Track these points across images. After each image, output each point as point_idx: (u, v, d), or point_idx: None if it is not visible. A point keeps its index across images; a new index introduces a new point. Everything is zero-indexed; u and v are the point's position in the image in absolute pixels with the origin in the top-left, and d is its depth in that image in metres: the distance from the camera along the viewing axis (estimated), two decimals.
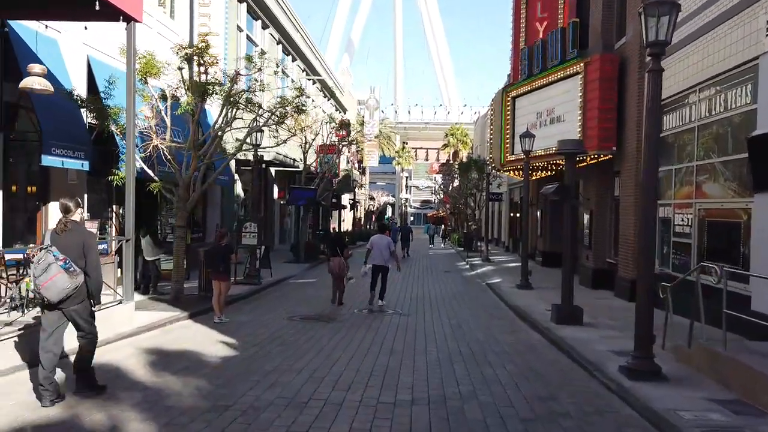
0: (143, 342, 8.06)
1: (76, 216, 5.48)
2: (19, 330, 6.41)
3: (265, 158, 21.20)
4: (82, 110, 10.83)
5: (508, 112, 18.73)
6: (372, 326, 9.97)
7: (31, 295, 5.83)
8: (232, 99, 11.14)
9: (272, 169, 25.74)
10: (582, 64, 14.78)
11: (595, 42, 15.16)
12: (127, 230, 8.56)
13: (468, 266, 23.22)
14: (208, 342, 8.20)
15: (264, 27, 23.94)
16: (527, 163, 15.65)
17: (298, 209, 24.57)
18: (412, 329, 9.77)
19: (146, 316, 9.42)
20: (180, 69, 10.74)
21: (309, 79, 32.68)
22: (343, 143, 23.95)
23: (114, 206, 13.48)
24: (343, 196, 43.23)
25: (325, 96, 36.40)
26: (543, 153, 16.40)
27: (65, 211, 5.41)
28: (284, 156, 22.62)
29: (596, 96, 14.27)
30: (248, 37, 21.90)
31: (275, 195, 26.40)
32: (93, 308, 5.54)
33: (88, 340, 5.54)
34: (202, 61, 10.47)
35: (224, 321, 9.93)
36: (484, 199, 29.51)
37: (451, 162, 51.14)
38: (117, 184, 10.62)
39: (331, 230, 37.83)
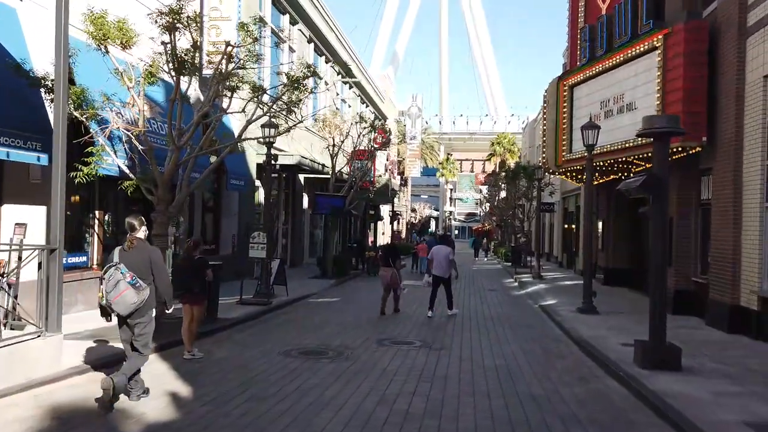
0: (56, 394, 5.79)
1: (141, 233, 5.82)
2: None
3: (289, 163, 19.09)
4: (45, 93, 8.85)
5: (565, 104, 15.97)
6: (388, 369, 7.46)
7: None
8: (219, 75, 8.95)
9: (301, 177, 23.67)
10: (660, 37, 11.96)
11: (675, 9, 12.33)
12: (53, 237, 6.40)
13: (516, 284, 20.37)
14: (151, 394, 5.87)
15: (292, 22, 22.01)
16: (590, 160, 12.87)
17: (327, 220, 22.36)
18: (440, 375, 7.19)
19: (89, 352, 7.22)
20: (152, 39, 8.63)
21: (345, 83, 30.70)
22: (375, 147, 21.54)
23: (97, 211, 11.53)
24: (382, 207, 40.99)
25: (363, 102, 34.30)
26: (610, 149, 13.57)
27: (131, 229, 5.77)
28: (311, 161, 20.46)
29: (680, 74, 11.43)
30: (274, 32, 19.95)
31: (304, 204, 24.29)
32: (168, 311, 6.15)
33: (138, 356, 5.77)
34: (180, 25, 8.31)
35: (197, 356, 7.64)
36: (533, 210, 26.55)
37: (498, 171, 48.11)
38: (80, 181, 8.59)
39: (369, 243, 35.54)
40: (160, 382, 6.28)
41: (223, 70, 8.97)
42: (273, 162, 14.30)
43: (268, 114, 10.56)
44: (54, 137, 6.42)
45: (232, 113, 10.24)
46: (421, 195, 79.09)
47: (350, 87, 31.91)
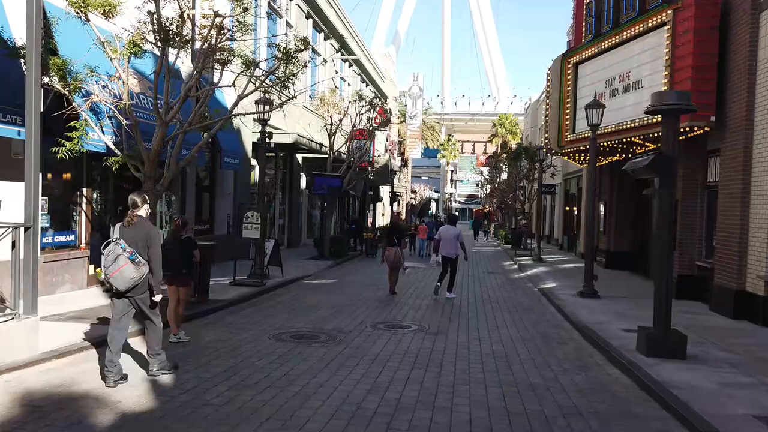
0: (29, 379, 5.50)
1: (143, 211, 5.85)
2: None
3: (285, 141, 18.68)
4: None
5: (569, 83, 15.51)
6: (381, 354, 7.18)
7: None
8: (208, 47, 8.52)
9: (299, 156, 23.26)
10: (670, 12, 11.47)
11: None
12: (27, 214, 6.05)
13: (516, 266, 20.09)
14: (130, 380, 5.58)
15: None
16: (594, 140, 12.46)
17: (325, 200, 21.98)
18: (435, 361, 6.91)
19: (66, 335, 6.93)
20: (138, 8, 8.19)
21: (344, 60, 30.09)
22: (374, 126, 21.05)
23: (85, 189, 11.17)
24: (381, 189, 40.57)
25: (363, 81, 33.67)
26: (614, 128, 13.15)
27: (133, 206, 5.79)
28: (309, 139, 20.04)
29: (690, 51, 10.97)
30: (270, 6, 19.39)
31: (302, 184, 23.92)
32: (152, 298, 5.82)
33: (153, 326, 5.85)
34: None
35: (183, 340, 7.35)
36: (535, 192, 26.18)
37: (499, 153, 47.57)
38: (63, 156, 8.24)
39: (368, 224, 35.22)
40: (140, 368, 6.00)
41: (212, 42, 8.53)
42: (268, 140, 13.89)
43: (260, 89, 10.10)
44: (26, 107, 6.04)
45: (221, 87, 9.81)
46: (421, 176, 78.60)
47: (350, 65, 31.29)
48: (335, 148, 20.23)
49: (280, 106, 11.19)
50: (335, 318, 9.50)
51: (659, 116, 11.53)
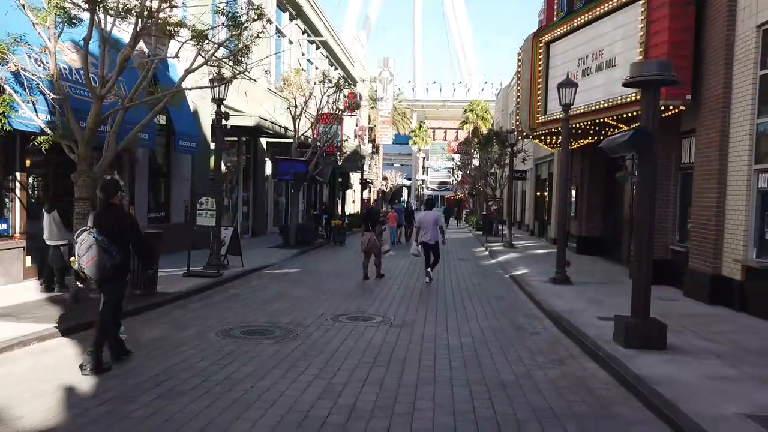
0: None
1: (116, 198, 5.78)
2: None
3: (247, 124, 17.77)
4: None
5: (541, 62, 14.98)
6: (339, 350, 6.53)
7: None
8: (147, 13, 7.64)
9: (264, 141, 22.34)
10: None
11: None
12: None
13: (487, 253, 19.66)
14: (41, 388, 4.82)
15: None
16: (567, 120, 11.97)
17: (290, 186, 21.09)
18: (398, 358, 6.29)
19: None
20: None
21: (310, 42, 29.11)
22: (341, 110, 20.21)
23: (19, 174, 10.19)
24: (352, 175, 39.77)
25: (331, 64, 32.67)
26: (587, 109, 12.68)
27: (103, 191, 5.81)
28: (272, 123, 19.14)
29: (665, 26, 10.51)
30: None
31: (267, 170, 23.02)
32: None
33: (104, 309, 5.68)
34: None
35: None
36: (506, 177, 25.78)
37: (470, 139, 47.16)
38: None
39: (339, 211, 34.45)
40: (57, 374, 5.24)
41: (150, 6, 7.65)
42: (224, 121, 13.02)
43: (210, 63, 9.25)
44: None
45: (163, 58, 8.95)
46: (393, 164, 77.88)
47: (317, 47, 30.29)
48: (301, 132, 19.39)
49: (230, 81, 10.35)
50: (294, 310, 8.82)
51: (634, 94, 11.16)
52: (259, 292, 10.48)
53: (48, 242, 8.96)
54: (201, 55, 9.17)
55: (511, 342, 7.22)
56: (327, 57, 31.74)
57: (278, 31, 24.06)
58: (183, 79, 9.15)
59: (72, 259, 5.65)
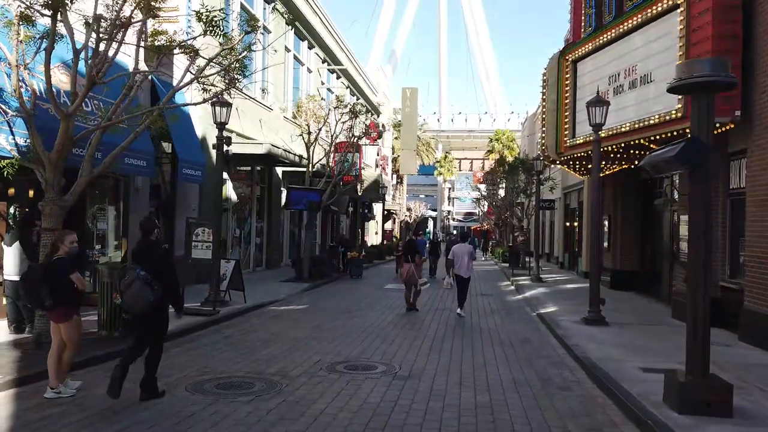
0: None
1: (153, 235, 5.93)
2: None
3: (258, 152, 17.00)
4: None
5: (567, 82, 13.90)
6: (325, 412, 5.40)
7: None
8: (122, 20, 6.85)
9: (279, 170, 21.61)
10: None
11: None
12: None
13: (513, 287, 18.30)
14: None
15: (267, 0, 19.96)
16: (597, 141, 10.81)
17: (303, 216, 20.14)
18: (395, 424, 5.11)
19: None
20: None
21: (330, 70, 28.65)
22: (356, 136, 19.33)
23: None
24: (375, 206, 38.82)
25: (352, 94, 32.07)
26: (620, 129, 11.50)
27: (142, 230, 5.96)
28: (286, 151, 18.35)
29: (708, 35, 9.37)
30: (242, 6, 17.90)
31: (283, 200, 22.21)
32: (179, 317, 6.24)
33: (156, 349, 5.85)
34: None
35: (64, 395, 5.58)
36: (533, 207, 24.49)
37: (495, 167, 45.96)
38: None
39: (361, 243, 33.42)
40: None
41: (121, 13, 6.86)
42: (227, 147, 12.24)
43: (200, 80, 8.41)
44: None
45: (144, 73, 8.14)
46: (419, 195, 76.97)
47: (338, 77, 29.83)
48: (315, 160, 18.56)
49: (219, 96, 9.47)
50: (287, 356, 7.73)
51: (673, 112, 9.98)
52: (254, 333, 9.42)
53: (10, 278, 8.04)
54: (190, 71, 8.38)
55: (536, 400, 5.99)
56: (348, 87, 31.21)
57: (296, 59, 23.62)
58: (170, 96, 8.34)
59: (115, 294, 6.16)
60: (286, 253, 22.73)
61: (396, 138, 53.80)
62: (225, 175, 17.87)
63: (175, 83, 11.30)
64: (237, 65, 8.18)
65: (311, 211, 17.88)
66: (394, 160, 53.18)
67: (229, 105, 11.68)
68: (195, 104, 9.67)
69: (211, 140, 16.29)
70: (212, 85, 9.06)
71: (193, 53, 8.18)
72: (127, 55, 8.61)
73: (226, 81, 8.90)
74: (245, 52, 8.27)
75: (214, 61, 8.41)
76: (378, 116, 40.01)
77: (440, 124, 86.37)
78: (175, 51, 8.33)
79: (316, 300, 14.09)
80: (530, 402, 5.92)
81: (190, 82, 8.34)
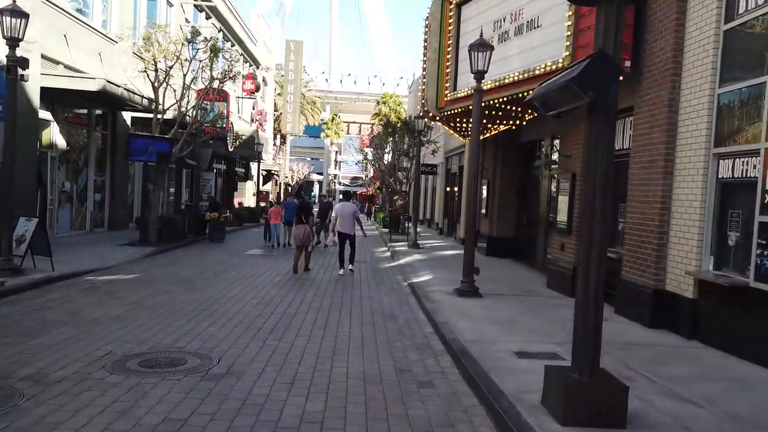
0: None
1: None
2: None
3: (89, 88, 13.98)
4: None
5: (450, 28, 12.54)
6: (96, 422, 3.55)
7: None
8: None
9: (127, 116, 18.48)
10: None
11: None
12: None
13: (389, 253, 17.10)
14: None
15: None
16: (479, 92, 9.53)
17: (150, 170, 17.26)
18: None
19: None
20: None
21: (197, 7, 25.35)
22: (220, 79, 16.72)
23: None
24: (253, 166, 36.02)
25: (227, 40, 28.73)
26: (504, 81, 10.33)
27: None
28: (128, 90, 15.40)
29: None
30: None
31: None
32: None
33: None
34: None
35: None
36: (415, 170, 23.46)
37: (380, 129, 44.81)
38: None
39: (237, 204, 30.79)
40: None
41: None
42: (22, 72, 9.46)
43: None
44: None
45: None
46: (305, 158, 74.37)
47: (207, 17, 26.52)
48: (168, 105, 15.81)
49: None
50: (65, 348, 5.66)
51: (561, 60, 8.91)
52: (39, 313, 7.17)
53: None
54: None
55: (386, 406, 4.53)
56: (221, 30, 27.91)
57: None
58: None
59: None
60: (137, 213, 19.82)
61: (279, 94, 50.66)
62: (48, 116, 14.73)
63: None
64: None
65: (160, 163, 15.26)
66: (277, 118, 50.14)
67: (25, 16, 8.95)
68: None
69: (30, 74, 13.19)
70: None
71: None
72: None
73: None
74: None
75: None
76: (257, 68, 36.86)
77: (329, 84, 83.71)
78: None
79: (155, 268, 11.83)
80: (377, 410, 4.45)
81: None
